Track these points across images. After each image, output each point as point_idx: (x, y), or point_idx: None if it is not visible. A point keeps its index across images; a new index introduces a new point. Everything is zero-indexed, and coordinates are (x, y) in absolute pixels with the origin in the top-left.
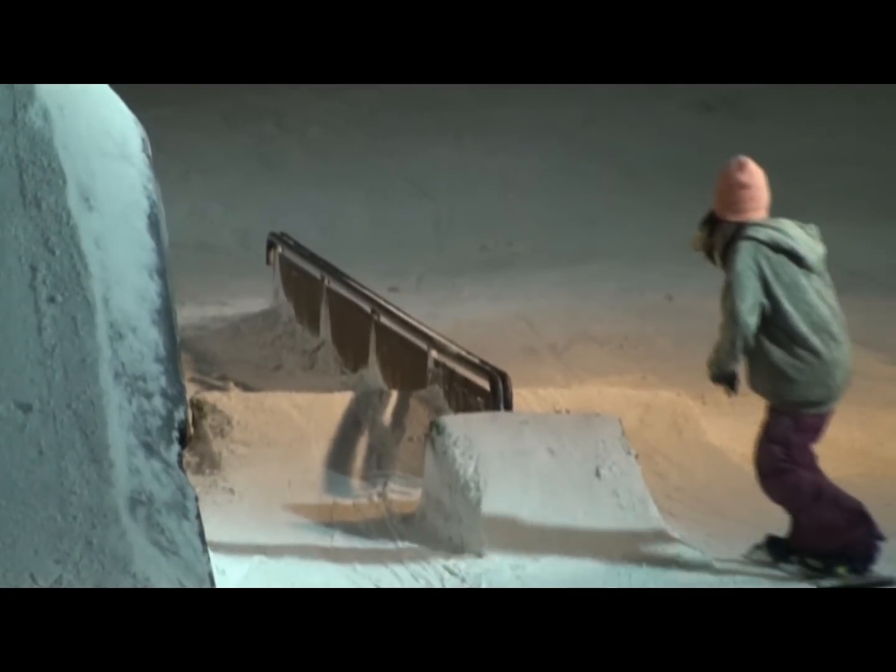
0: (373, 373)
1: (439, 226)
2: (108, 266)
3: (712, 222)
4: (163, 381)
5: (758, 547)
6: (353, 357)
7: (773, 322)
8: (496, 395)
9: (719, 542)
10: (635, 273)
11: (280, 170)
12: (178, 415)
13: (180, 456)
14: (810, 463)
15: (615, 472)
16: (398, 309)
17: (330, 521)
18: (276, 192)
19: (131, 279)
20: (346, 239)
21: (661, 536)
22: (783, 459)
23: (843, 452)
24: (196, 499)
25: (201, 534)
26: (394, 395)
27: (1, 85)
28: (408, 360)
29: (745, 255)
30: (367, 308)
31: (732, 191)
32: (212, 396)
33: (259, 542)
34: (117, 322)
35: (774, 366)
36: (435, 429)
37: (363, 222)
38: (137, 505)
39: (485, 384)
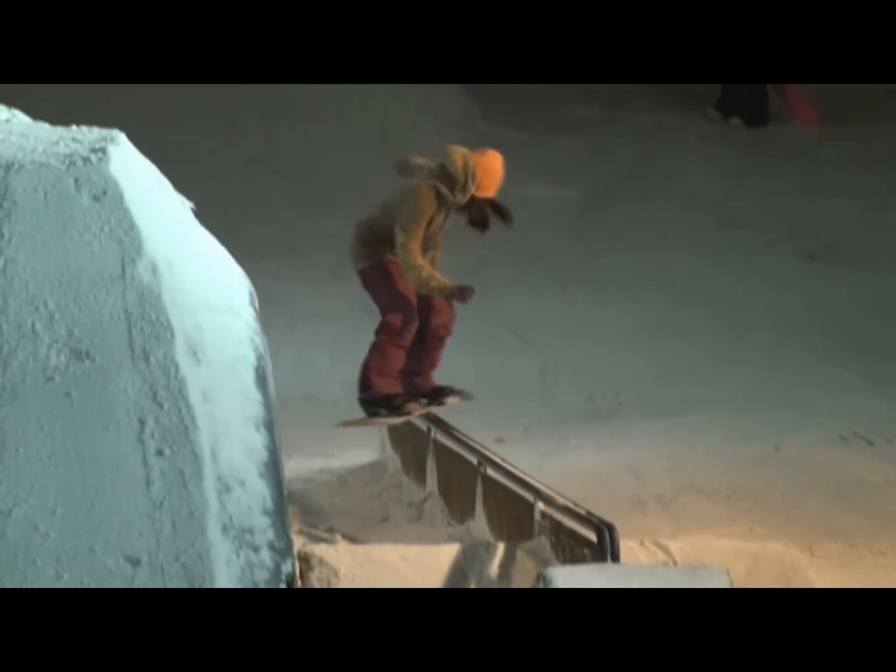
0: (479, 525)
1: (545, 376)
2: (216, 419)
3: None
4: (270, 534)
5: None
6: (459, 509)
7: None
8: (603, 547)
9: None
10: (741, 422)
11: None
12: (286, 568)
13: None
14: None
15: None
16: (504, 460)
17: None
18: None
19: (239, 432)
20: None
21: None
22: None
23: None
24: None
25: None
26: (500, 548)
27: (109, 239)
28: (514, 512)
29: None
30: (473, 460)
31: None
32: (319, 549)
33: None
34: (225, 475)
35: None
36: (542, 581)
37: (469, 373)
38: None
39: (592, 536)
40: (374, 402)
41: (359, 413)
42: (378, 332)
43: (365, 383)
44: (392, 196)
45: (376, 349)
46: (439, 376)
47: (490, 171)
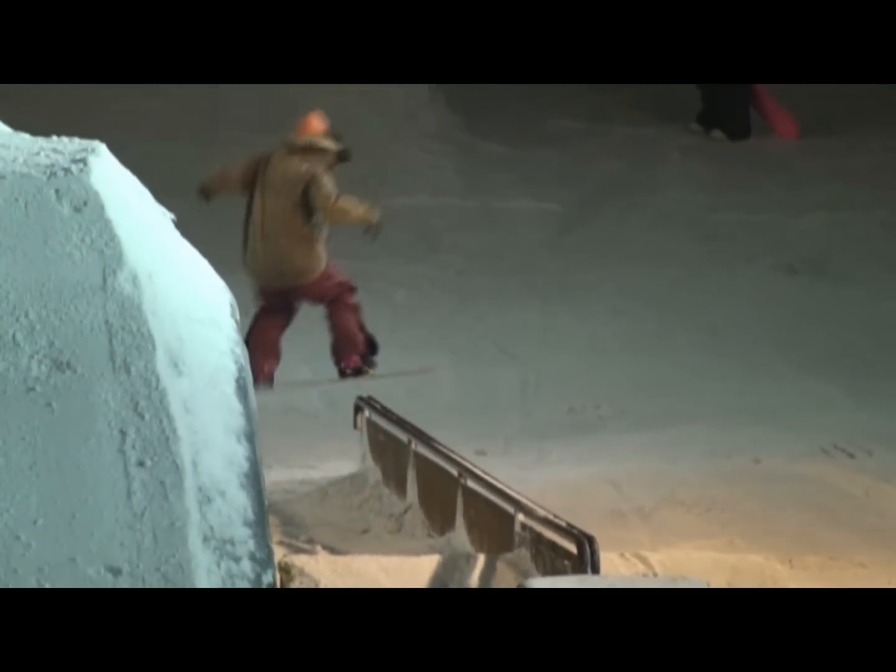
0: (460, 536)
1: (526, 389)
2: (197, 430)
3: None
4: (251, 544)
5: None
6: (440, 520)
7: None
8: (583, 559)
9: None
10: (722, 436)
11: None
12: (266, 578)
13: None
14: None
15: None
16: (485, 472)
17: None
18: None
19: (220, 443)
20: (433, 402)
21: None
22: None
23: None
24: None
25: None
26: (480, 559)
27: (90, 250)
28: (495, 524)
29: None
30: (454, 472)
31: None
32: (299, 560)
33: None
34: (206, 486)
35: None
36: None
37: (450, 386)
38: None
39: (572, 547)
40: (367, 360)
41: (340, 426)
42: (349, 299)
43: (373, 345)
44: (291, 192)
45: (357, 310)
46: (421, 384)
47: (312, 126)
